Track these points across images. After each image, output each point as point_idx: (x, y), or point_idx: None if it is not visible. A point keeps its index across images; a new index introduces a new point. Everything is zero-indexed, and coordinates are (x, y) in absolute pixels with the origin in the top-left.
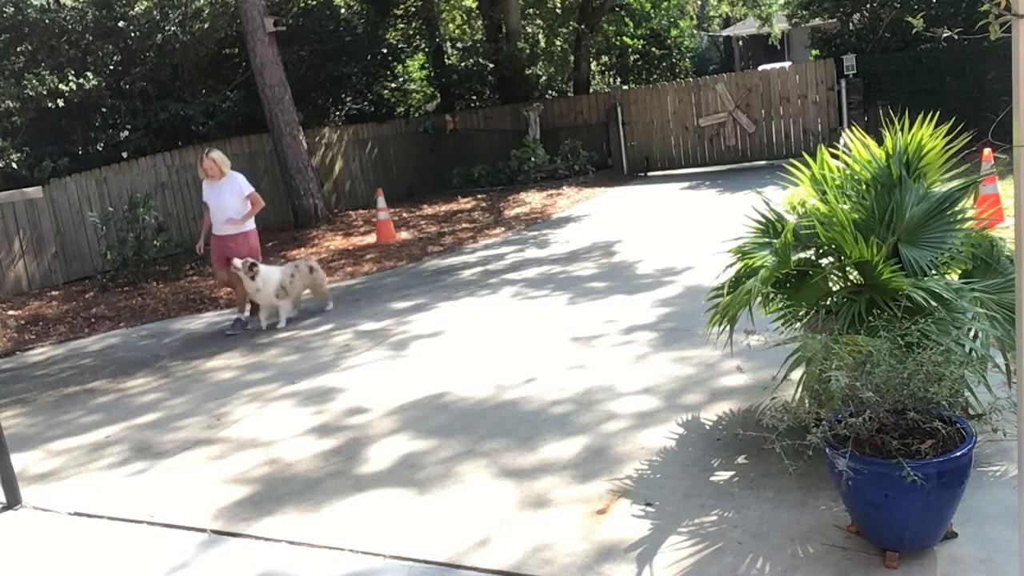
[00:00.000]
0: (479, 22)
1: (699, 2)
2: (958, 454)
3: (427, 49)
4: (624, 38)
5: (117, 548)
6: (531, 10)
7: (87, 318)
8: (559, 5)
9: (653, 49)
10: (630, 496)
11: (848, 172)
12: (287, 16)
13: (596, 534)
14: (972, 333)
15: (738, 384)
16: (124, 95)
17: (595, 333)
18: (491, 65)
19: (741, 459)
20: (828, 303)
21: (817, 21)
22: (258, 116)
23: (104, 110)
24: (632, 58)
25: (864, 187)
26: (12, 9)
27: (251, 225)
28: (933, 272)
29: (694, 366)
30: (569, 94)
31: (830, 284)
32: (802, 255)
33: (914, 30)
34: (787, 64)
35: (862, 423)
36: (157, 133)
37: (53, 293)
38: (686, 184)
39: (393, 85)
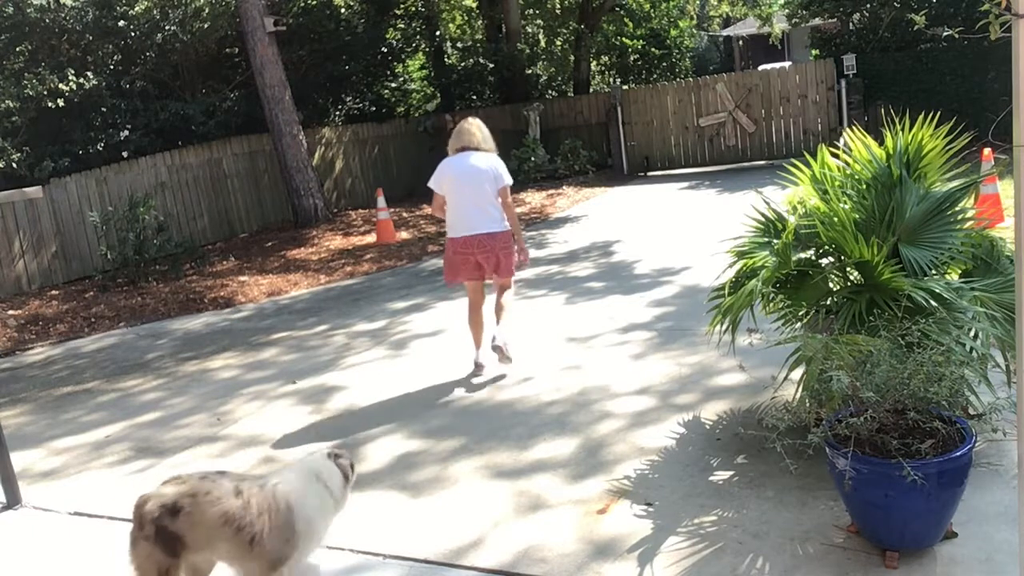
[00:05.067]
0: (479, 22)
1: (699, 2)
2: (958, 454)
3: (427, 49)
4: (624, 38)
5: (117, 548)
6: (531, 10)
7: (87, 318)
8: (559, 5)
9: (653, 49)
10: (630, 496)
11: (848, 172)
12: (287, 16)
13: (596, 534)
14: (972, 333)
15: (737, 383)
16: (124, 95)
17: (593, 333)
18: (491, 65)
19: (741, 459)
20: (828, 303)
21: (817, 21)
22: (258, 116)
23: (104, 110)
24: (632, 58)
25: (864, 187)
26: (12, 9)
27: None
28: (933, 272)
29: (692, 366)
30: (569, 94)
31: (830, 284)
32: (802, 255)
33: (915, 27)
34: (787, 64)
35: (862, 423)
36: (157, 133)
37: (53, 293)
38: (686, 184)
39: (393, 85)
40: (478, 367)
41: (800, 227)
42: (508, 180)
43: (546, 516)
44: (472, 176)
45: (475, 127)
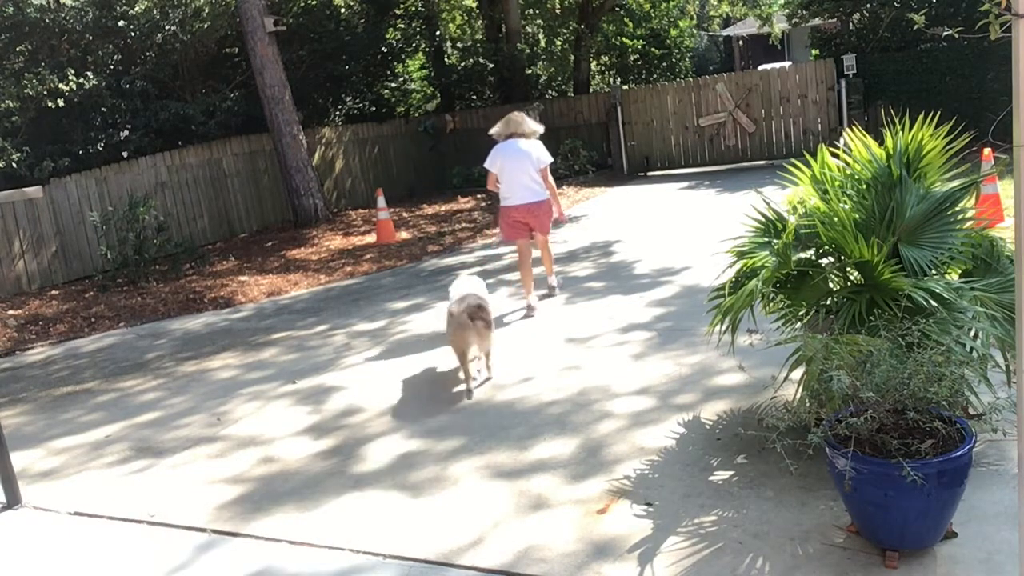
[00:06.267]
0: (479, 22)
1: (699, 2)
2: (958, 454)
3: (427, 49)
4: (624, 38)
5: (117, 548)
6: (531, 10)
7: (87, 317)
8: (559, 5)
9: (653, 49)
10: (630, 496)
11: (848, 172)
12: (287, 16)
13: (595, 534)
14: (972, 333)
15: (737, 383)
16: (124, 95)
17: (592, 333)
18: (491, 65)
19: (741, 459)
20: (828, 303)
21: (817, 21)
22: (258, 116)
23: (104, 110)
24: (632, 58)
25: (864, 187)
26: (12, 9)
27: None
28: (933, 272)
29: (692, 366)
30: (569, 94)
31: (830, 284)
32: (802, 255)
33: (915, 27)
34: (787, 64)
35: (862, 423)
36: (157, 133)
37: (53, 292)
38: (686, 184)
39: (393, 85)
40: (530, 309)
41: (800, 227)
42: (547, 160)
43: (546, 516)
44: (520, 158)
45: (520, 118)
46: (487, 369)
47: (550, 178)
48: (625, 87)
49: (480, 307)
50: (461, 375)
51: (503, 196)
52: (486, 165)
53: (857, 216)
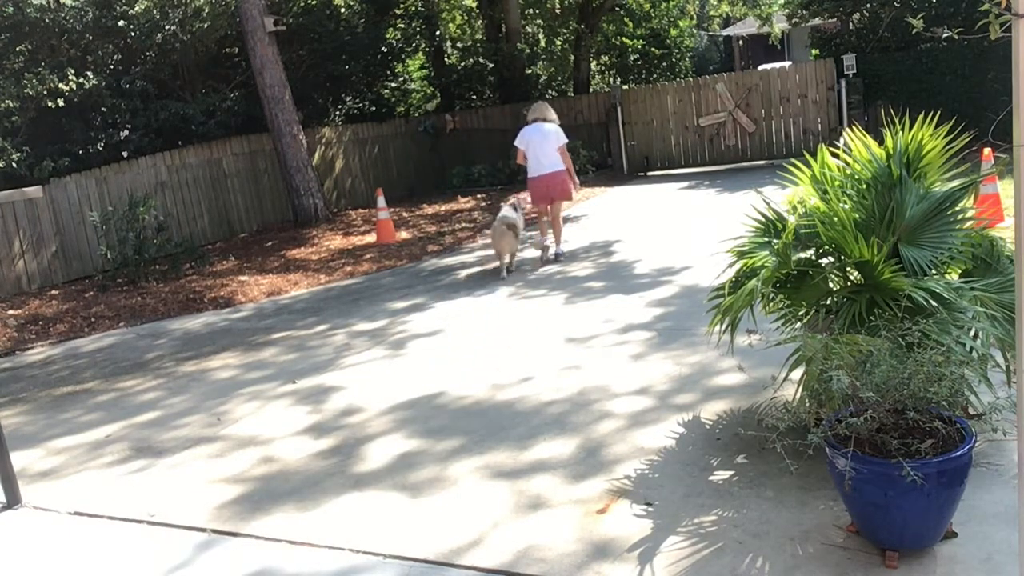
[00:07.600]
0: (479, 22)
1: (699, 2)
2: (958, 454)
3: (427, 49)
4: (624, 38)
5: (117, 548)
6: (531, 10)
7: (87, 317)
8: (559, 5)
9: (653, 49)
10: (629, 496)
11: (848, 172)
12: (287, 16)
13: (595, 534)
14: (972, 332)
15: (737, 383)
16: (124, 94)
17: (592, 333)
18: (491, 65)
19: (741, 458)
20: (828, 303)
21: (817, 21)
22: (258, 115)
23: (104, 110)
24: (632, 58)
25: (864, 187)
26: (12, 9)
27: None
28: (933, 272)
29: (692, 365)
30: (569, 94)
31: (830, 284)
32: (802, 255)
33: (914, 30)
34: (787, 64)
35: (862, 423)
36: (157, 132)
37: (53, 292)
38: (686, 184)
39: (393, 85)
40: (545, 250)
41: (800, 227)
42: (564, 140)
43: (546, 516)
44: (543, 137)
45: (544, 106)
46: (512, 267)
47: (567, 154)
48: (625, 87)
49: (514, 223)
50: (502, 271)
51: (530, 168)
52: (515, 143)
53: (857, 216)
